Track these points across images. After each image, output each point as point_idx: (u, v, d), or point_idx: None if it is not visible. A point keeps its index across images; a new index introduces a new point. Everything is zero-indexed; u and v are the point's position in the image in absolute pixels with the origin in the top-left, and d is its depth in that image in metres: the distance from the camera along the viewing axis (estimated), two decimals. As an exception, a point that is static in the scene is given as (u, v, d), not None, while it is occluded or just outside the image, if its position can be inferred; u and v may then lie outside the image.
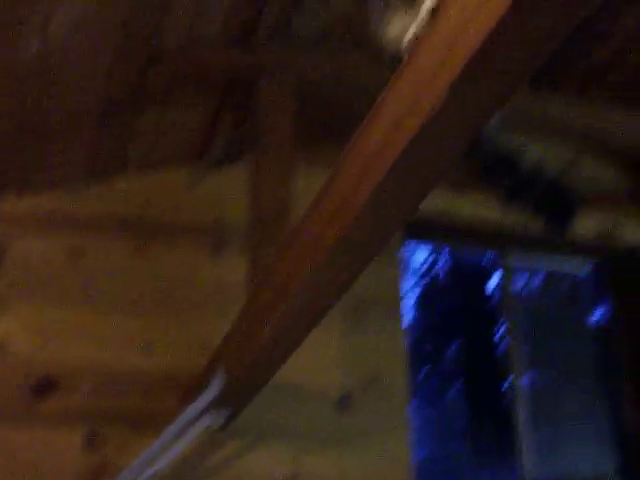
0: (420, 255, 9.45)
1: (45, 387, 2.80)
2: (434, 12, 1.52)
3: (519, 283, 3.94)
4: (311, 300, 2.07)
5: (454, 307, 9.22)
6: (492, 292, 8.93)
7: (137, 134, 2.96)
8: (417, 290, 9.48)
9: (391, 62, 1.75)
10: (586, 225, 3.50)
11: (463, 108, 1.48)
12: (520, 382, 3.59)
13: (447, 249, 9.13)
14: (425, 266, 9.52)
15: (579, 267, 3.95)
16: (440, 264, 9.48)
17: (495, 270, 7.70)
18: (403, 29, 1.68)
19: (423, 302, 9.45)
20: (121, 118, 2.84)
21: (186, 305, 3.02)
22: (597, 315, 4.44)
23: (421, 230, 3.51)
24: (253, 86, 2.84)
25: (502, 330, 7.18)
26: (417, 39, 1.59)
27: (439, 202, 3.41)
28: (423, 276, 9.53)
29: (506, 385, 3.85)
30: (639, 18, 3.01)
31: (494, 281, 8.71)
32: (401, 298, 3.35)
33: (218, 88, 2.93)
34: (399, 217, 1.79)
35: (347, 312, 3.21)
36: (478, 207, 3.39)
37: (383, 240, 1.88)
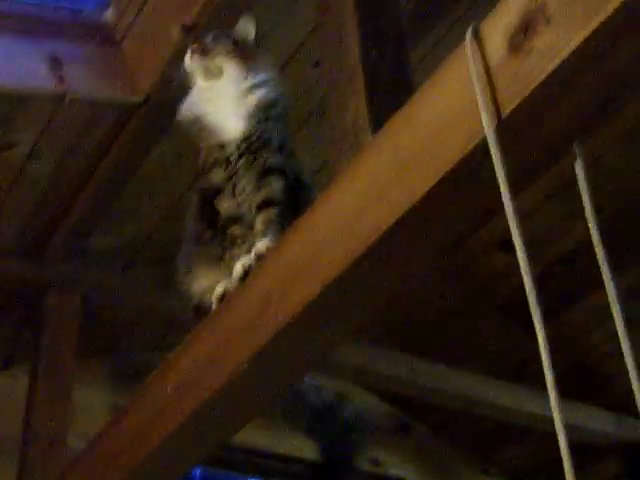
0: None
1: None
2: (244, 277, 1.61)
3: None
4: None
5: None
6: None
7: None
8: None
9: (195, 311, 1.81)
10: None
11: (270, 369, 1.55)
12: None
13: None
14: None
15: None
16: None
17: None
18: (211, 283, 1.76)
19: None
20: None
21: None
22: None
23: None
24: (38, 298, 2.80)
25: None
26: (226, 297, 1.66)
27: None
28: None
29: None
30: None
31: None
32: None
33: (0, 298, 2.86)
34: (193, 460, 1.80)
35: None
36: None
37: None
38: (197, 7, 2.16)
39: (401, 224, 1.29)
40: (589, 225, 1.18)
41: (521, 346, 3.75)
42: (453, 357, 3.56)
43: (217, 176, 1.79)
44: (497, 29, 1.20)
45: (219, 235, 1.78)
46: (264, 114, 1.79)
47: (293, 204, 1.72)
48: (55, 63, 2.26)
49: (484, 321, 3.68)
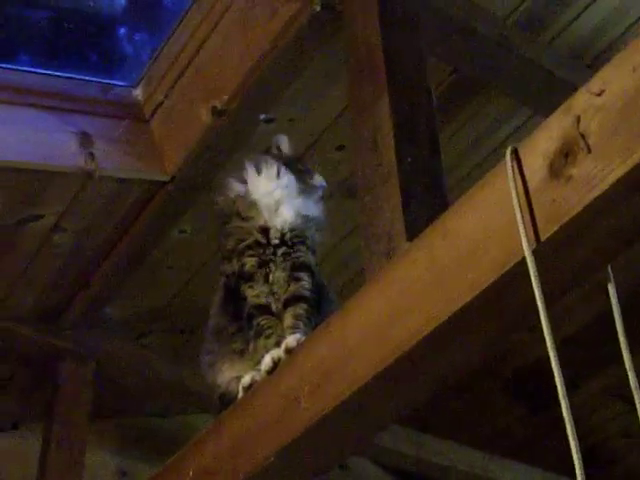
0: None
1: None
2: (273, 370, 1.64)
3: None
4: None
5: None
6: None
7: None
8: None
9: (220, 399, 1.83)
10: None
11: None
12: None
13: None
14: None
15: None
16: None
17: None
18: (236, 374, 1.78)
19: None
20: None
21: None
22: None
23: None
24: (53, 363, 2.83)
25: None
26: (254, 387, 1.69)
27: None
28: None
29: None
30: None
31: None
32: None
33: (14, 360, 2.89)
34: None
35: None
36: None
37: None
38: (228, 91, 2.21)
39: (435, 335, 1.32)
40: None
41: (525, 424, 3.77)
42: (457, 433, 3.57)
43: (250, 262, 1.80)
44: (537, 151, 1.25)
45: (245, 325, 1.79)
46: (310, 219, 1.86)
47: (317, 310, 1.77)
48: (85, 139, 2.31)
49: (489, 398, 3.69)
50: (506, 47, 2.20)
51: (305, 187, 1.89)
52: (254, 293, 1.78)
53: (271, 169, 1.87)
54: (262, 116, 2.32)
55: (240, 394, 1.73)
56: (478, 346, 1.38)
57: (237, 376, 1.77)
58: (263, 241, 1.80)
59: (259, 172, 1.88)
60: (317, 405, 1.48)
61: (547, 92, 2.26)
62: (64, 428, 2.75)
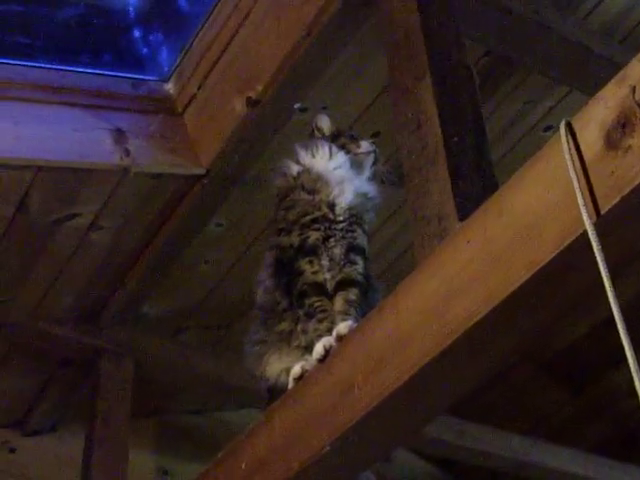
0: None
1: None
2: (324, 358, 1.62)
3: None
4: None
5: None
6: None
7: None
8: None
9: (269, 391, 1.81)
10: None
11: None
12: None
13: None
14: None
15: None
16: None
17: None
18: (286, 365, 1.76)
19: None
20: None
21: None
22: None
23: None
24: (92, 363, 2.83)
25: None
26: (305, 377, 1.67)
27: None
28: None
29: None
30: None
31: None
32: None
33: (53, 361, 2.89)
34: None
35: None
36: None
37: None
38: (262, 81, 2.20)
39: (492, 316, 1.30)
40: None
41: (565, 407, 3.74)
42: (498, 419, 3.54)
43: (314, 235, 1.77)
44: (592, 124, 1.22)
45: (295, 302, 1.76)
46: (370, 202, 1.85)
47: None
48: (120, 136, 2.30)
49: (528, 383, 3.67)
50: (540, 25, 2.17)
51: (356, 159, 1.88)
52: (313, 269, 1.75)
53: (323, 150, 1.86)
54: (296, 105, 2.30)
55: (290, 385, 1.72)
56: (537, 325, 1.36)
57: (286, 367, 1.75)
58: (331, 216, 1.78)
59: (313, 155, 1.86)
60: (372, 392, 1.46)
61: (583, 69, 2.23)
62: (106, 427, 2.75)
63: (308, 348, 1.71)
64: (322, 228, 1.77)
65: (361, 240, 1.79)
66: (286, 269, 1.80)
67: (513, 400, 3.69)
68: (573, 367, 3.63)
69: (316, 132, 1.96)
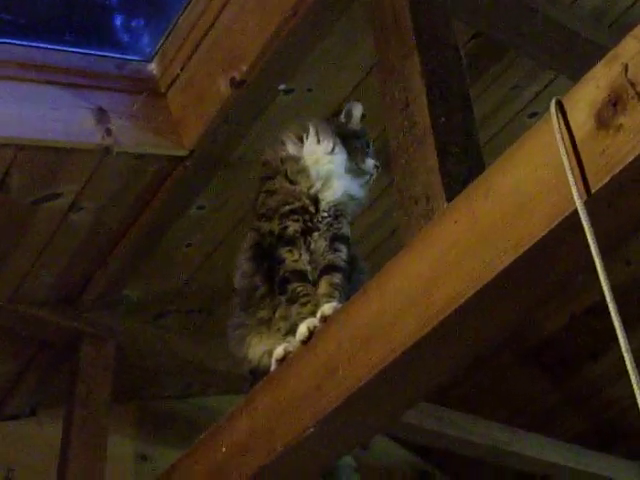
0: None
1: None
2: (308, 339, 1.60)
3: None
4: None
5: None
6: None
7: None
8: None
9: (252, 373, 1.79)
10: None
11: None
12: None
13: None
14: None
15: None
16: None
17: None
18: (268, 347, 1.75)
19: None
20: None
21: None
22: None
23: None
24: (72, 346, 2.80)
25: None
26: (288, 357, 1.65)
27: None
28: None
29: None
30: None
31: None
32: None
33: (33, 344, 2.86)
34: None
35: None
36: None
37: None
38: (247, 62, 2.17)
39: (479, 297, 1.28)
40: None
41: (546, 396, 3.74)
42: (479, 407, 3.54)
43: (293, 226, 1.76)
44: (582, 103, 1.20)
45: (277, 289, 1.75)
46: (355, 199, 1.86)
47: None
48: (102, 115, 2.27)
49: (510, 371, 3.66)
50: (529, 8, 2.15)
51: (355, 168, 1.87)
52: (293, 258, 1.75)
53: (329, 142, 1.84)
54: (281, 86, 2.27)
55: (273, 367, 1.70)
56: (524, 307, 1.34)
57: (269, 349, 1.73)
58: (312, 209, 1.78)
59: (318, 141, 1.84)
60: (356, 374, 1.45)
61: (571, 53, 2.22)
62: (85, 411, 2.72)
63: (290, 333, 1.70)
64: (301, 220, 1.77)
65: (345, 230, 1.81)
66: (267, 254, 1.79)
67: (493, 389, 3.69)
68: (554, 357, 3.63)
69: (342, 117, 1.93)
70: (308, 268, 1.74)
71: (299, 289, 1.71)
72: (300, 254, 1.74)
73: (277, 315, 1.76)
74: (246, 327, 1.82)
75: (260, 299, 1.80)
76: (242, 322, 1.84)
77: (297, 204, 1.78)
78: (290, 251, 1.75)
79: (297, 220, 1.76)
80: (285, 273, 1.73)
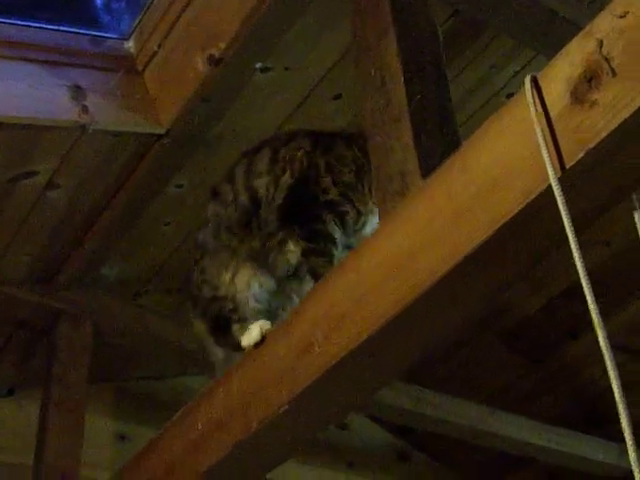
0: None
1: None
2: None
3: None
4: None
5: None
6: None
7: None
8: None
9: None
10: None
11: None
12: None
13: None
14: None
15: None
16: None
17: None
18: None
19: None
20: None
21: None
22: None
23: None
24: (50, 325, 2.79)
25: None
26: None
27: None
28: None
29: None
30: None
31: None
32: None
33: (9, 324, 2.84)
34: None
35: None
36: None
37: None
38: (225, 39, 2.15)
39: (457, 270, 1.29)
40: None
41: (524, 377, 3.76)
42: (458, 388, 3.56)
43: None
44: (557, 78, 1.20)
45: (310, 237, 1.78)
46: None
47: None
48: (78, 92, 2.25)
49: (488, 352, 3.68)
50: (508, -14, 2.15)
51: None
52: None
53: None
54: (258, 64, 2.26)
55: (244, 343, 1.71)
56: (500, 283, 1.35)
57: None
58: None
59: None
60: (332, 351, 1.45)
61: (550, 32, 2.22)
62: (63, 391, 2.71)
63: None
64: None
65: None
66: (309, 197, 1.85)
67: (472, 369, 3.70)
68: (532, 337, 3.64)
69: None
70: None
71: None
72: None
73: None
74: (230, 251, 1.82)
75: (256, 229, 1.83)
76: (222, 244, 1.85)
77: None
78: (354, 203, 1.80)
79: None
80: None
